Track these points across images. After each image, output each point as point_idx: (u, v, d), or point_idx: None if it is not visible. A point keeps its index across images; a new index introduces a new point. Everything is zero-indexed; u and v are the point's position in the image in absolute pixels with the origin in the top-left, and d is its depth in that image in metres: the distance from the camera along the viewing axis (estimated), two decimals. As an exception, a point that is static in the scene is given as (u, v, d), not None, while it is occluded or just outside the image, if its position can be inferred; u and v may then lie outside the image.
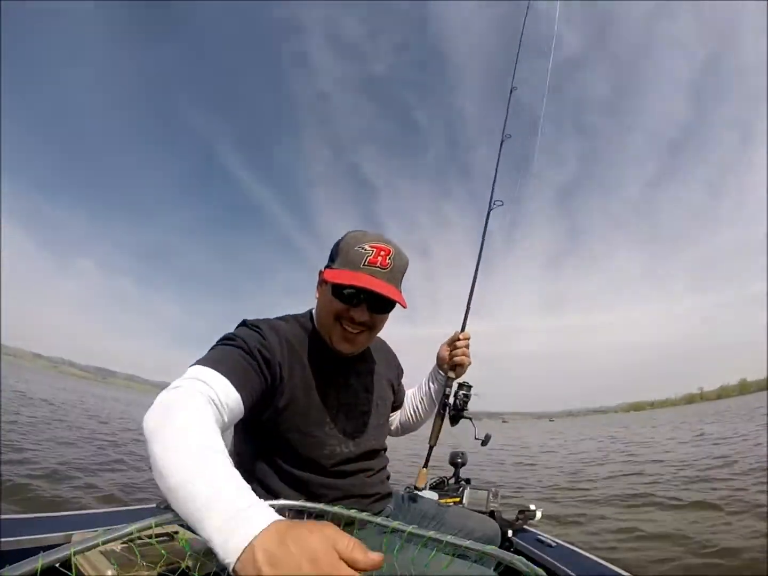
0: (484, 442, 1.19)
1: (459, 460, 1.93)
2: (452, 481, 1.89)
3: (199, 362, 0.79)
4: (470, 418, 1.20)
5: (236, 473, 0.56)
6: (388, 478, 1.16)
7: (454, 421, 1.20)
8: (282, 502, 0.76)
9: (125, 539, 1.11)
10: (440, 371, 1.27)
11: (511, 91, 1.87)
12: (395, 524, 0.68)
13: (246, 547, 0.44)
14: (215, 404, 0.71)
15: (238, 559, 0.44)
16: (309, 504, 0.77)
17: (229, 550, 0.44)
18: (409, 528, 0.68)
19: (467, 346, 1.25)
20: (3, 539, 1.14)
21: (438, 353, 1.28)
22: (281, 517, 0.49)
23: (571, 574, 1.23)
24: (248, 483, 1.03)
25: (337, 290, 0.93)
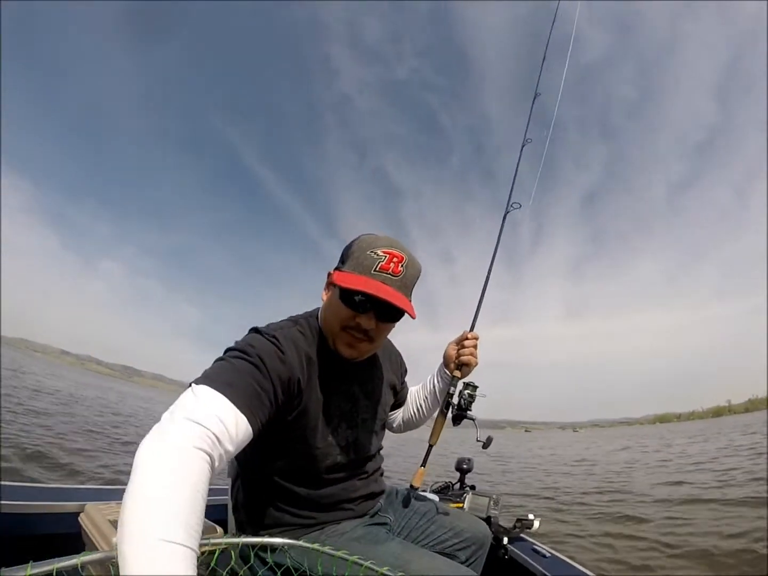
0: (486, 445, 1.19)
1: (465, 466, 1.95)
2: (457, 486, 1.91)
3: (208, 382, 0.72)
4: (473, 419, 1.20)
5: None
6: (381, 475, 1.19)
7: (456, 420, 1.20)
8: (247, 540, 0.84)
9: None
10: (446, 370, 1.27)
11: (535, 97, 1.88)
12: (339, 554, 0.76)
13: None
14: (219, 443, 0.66)
15: None
16: (272, 540, 0.85)
17: None
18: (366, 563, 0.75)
19: (475, 347, 1.24)
20: (17, 502, 1.26)
21: (445, 351, 1.28)
22: None
23: None
24: (242, 488, 1.06)
25: (346, 295, 0.90)
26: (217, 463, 0.66)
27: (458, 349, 1.24)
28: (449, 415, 1.21)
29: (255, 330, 0.92)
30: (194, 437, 0.63)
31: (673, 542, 3.84)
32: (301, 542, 0.87)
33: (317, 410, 0.95)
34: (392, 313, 0.93)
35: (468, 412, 1.20)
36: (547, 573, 1.33)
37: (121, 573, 0.50)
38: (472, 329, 1.31)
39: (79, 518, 1.19)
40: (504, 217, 1.59)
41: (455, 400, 1.22)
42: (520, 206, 1.61)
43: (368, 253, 0.90)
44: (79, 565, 0.57)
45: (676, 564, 3.35)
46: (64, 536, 1.25)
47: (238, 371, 0.78)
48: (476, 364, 1.24)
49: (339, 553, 0.80)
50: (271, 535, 0.97)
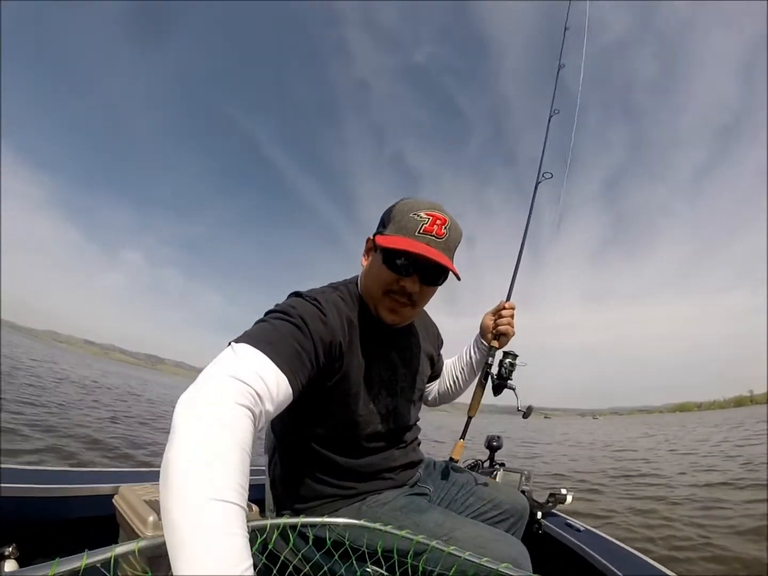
0: (526, 414, 1.16)
1: (495, 444, 1.93)
2: (487, 464, 1.89)
3: (249, 340, 0.70)
4: (513, 389, 1.18)
5: (242, 540, 0.50)
6: (419, 445, 1.17)
7: (497, 390, 1.17)
8: (293, 520, 0.78)
9: None
10: (483, 341, 1.25)
11: (558, 69, 1.84)
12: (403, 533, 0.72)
13: None
14: (261, 401, 0.64)
15: None
16: (309, 519, 0.79)
17: None
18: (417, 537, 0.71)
19: (512, 316, 1.22)
20: (52, 486, 1.26)
21: (482, 322, 1.26)
22: None
23: (598, 557, 1.21)
24: (279, 462, 1.04)
25: (390, 258, 0.88)
26: (258, 422, 0.64)
27: (495, 320, 1.22)
28: (488, 385, 1.19)
29: (296, 294, 0.90)
30: (236, 393, 0.60)
31: (705, 523, 3.79)
32: (362, 521, 0.83)
33: (358, 376, 0.93)
34: (436, 276, 0.91)
35: (509, 381, 1.18)
36: (582, 546, 1.32)
37: (167, 537, 0.48)
38: (508, 299, 1.29)
39: (113, 500, 1.18)
40: (536, 187, 1.56)
41: (494, 369, 1.19)
42: (552, 176, 1.58)
43: (411, 215, 0.88)
44: (112, 559, 0.54)
45: (708, 542, 3.32)
46: (99, 519, 1.24)
47: (280, 331, 0.75)
48: (514, 333, 1.22)
49: (387, 528, 0.77)
50: (312, 509, 0.97)
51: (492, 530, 0.91)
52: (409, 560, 0.75)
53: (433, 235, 0.87)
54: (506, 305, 1.23)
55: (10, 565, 0.88)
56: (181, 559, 0.46)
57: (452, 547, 0.67)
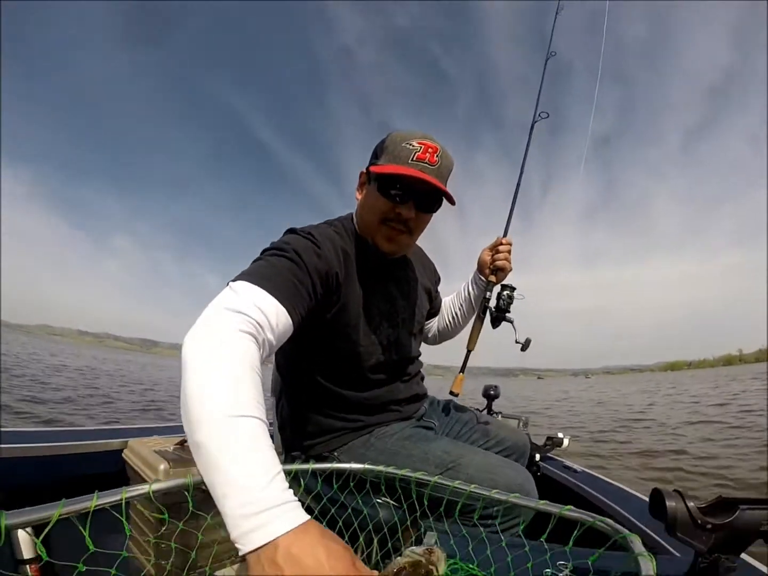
0: (524, 347, 1.19)
1: (492, 392, 1.95)
2: (484, 412, 1.93)
3: (246, 278, 0.71)
4: (512, 321, 1.20)
5: (270, 451, 0.52)
6: (422, 379, 1.20)
7: (495, 322, 1.18)
8: (312, 466, 0.78)
9: (178, 442, 1.16)
10: (481, 276, 1.26)
11: (557, 10, 1.76)
12: (436, 479, 0.71)
13: (269, 542, 0.44)
14: (262, 330, 0.66)
15: (256, 550, 0.44)
16: (319, 466, 0.79)
17: (250, 539, 0.44)
18: (435, 478, 0.71)
19: (509, 252, 1.23)
20: (63, 443, 1.27)
21: (479, 258, 1.26)
22: (308, 517, 0.48)
23: (596, 494, 1.26)
24: (287, 402, 1.06)
25: (385, 186, 0.89)
26: (262, 349, 0.66)
27: (492, 255, 1.23)
28: (487, 319, 1.21)
29: (290, 230, 0.91)
30: (238, 322, 0.62)
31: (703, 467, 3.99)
32: (365, 465, 0.82)
33: (357, 307, 0.94)
34: (431, 202, 0.93)
35: (507, 314, 1.19)
36: (581, 485, 1.37)
37: (200, 465, 0.49)
38: (505, 235, 1.29)
39: (123, 454, 1.20)
40: (531, 127, 1.53)
41: (493, 303, 1.21)
42: (548, 115, 1.55)
43: (403, 145, 0.89)
44: (123, 500, 0.53)
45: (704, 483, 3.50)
46: (109, 475, 1.25)
47: (275, 267, 0.77)
48: (511, 269, 1.23)
49: (389, 470, 0.78)
50: (321, 444, 0.99)
51: (499, 458, 0.95)
52: (413, 487, 0.74)
53: (426, 162, 0.88)
54: (503, 241, 1.24)
55: (21, 532, 0.84)
56: (217, 483, 0.47)
57: (457, 482, 0.69)
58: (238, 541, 0.45)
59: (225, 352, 0.58)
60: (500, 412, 1.91)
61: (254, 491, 0.46)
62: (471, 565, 0.60)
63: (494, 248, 1.24)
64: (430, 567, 0.49)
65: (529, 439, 1.66)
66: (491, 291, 1.22)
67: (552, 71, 1.72)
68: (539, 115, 1.56)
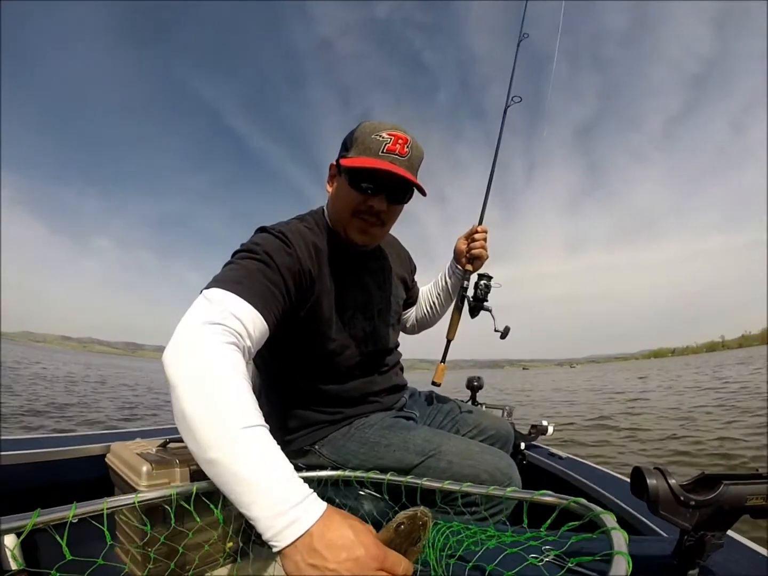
0: (503, 335, 1.16)
1: (476, 383, 1.94)
2: (469, 403, 1.92)
3: (218, 284, 0.70)
4: (490, 310, 1.17)
5: (280, 452, 0.54)
6: (402, 370, 1.18)
7: (473, 312, 1.16)
8: (318, 474, 0.82)
9: (160, 444, 1.15)
10: (458, 265, 1.24)
11: (520, 40, 1.70)
12: (424, 482, 0.71)
13: (304, 533, 0.47)
14: (241, 338, 0.65)
15: (293, 543, 0.47)
16: (341, 473, 0.82)
17: (285, 536, 0.47)
18: (406, 479, 0.72)
19: (485, 240, 1.20)
20: (46, 450, 1.22)
21: (455, 246, 1.24)
22: (327, 504, 0.52)
23: (583, 479, 1.25)
24: (266, 399, 1.04)
25: (356, 179, 0.88)
26: (245, 356, 0.66)
27: (468, 243, 1.21)
28: (465, 308, 1.18)
29: (261, 229, 0.89)
30: (219, 334, 0.62)
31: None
32: (339, 473, 0.85)
33: (330, 301, 0.92)
34: (402, 194, 0.93)
35: (485, 303, 1.17)
36: (567, 471, 1.36)
37: (218, 481, 0.52)
38: (480, 223, 1.27)
39: (106, 459, 1.18)
40: (505, 111, 1.51)
41: (470, 292, 1.18)
42: (521, 99, 1.53)
43: (373, 136, 0.88)
44: (104, 511, 0.55)
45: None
46: (93, 480, 1.23)
47: (247, 269, 0.76)
48: (487, 257, 1.21)
49: (357, 474, 0.80)
50: (301, 438, 0.98)
51: (480, 444, 0.94)
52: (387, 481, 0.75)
53: (397, 154, 0.88)
54: (479, 229, 1.21)
55: (9, 540, 0.88)
56: (241, 492, 0.49)
57: (425, 479, 0.70)
58: (272, 540, 0.48)
59: (216, 369, 0.57)
60: (484, 404, 1.90)
61: (280, 492, 0.49)
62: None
63: (470, 236, 1.22)
64: (425, 518, 0.51)
65: (513, 428, 1.65)
66: (468, 280, 1.20)
67: (529, 55, 1.69)
68: (512, 99, 1.53)
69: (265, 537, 0.48)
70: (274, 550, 0.48)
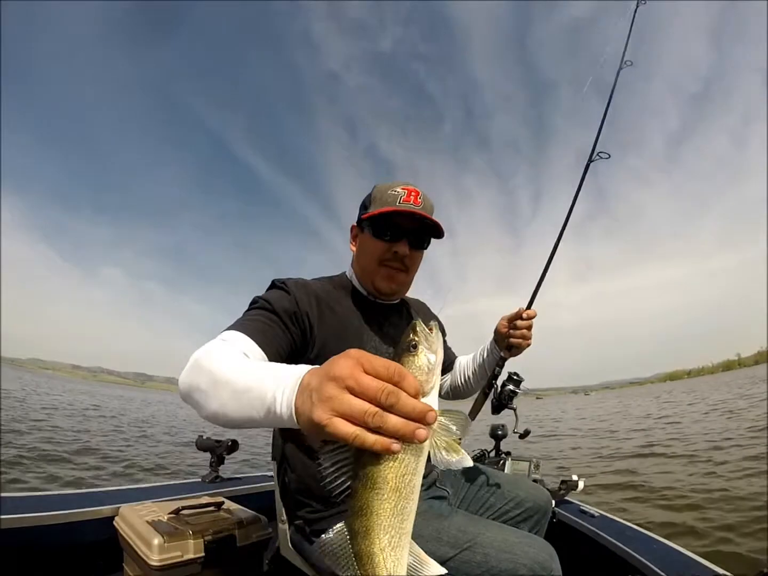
0: (523, 436, 1.09)
1: (500, 432, 1.91)
2: (492, 453, 1.89)
3: (227, 328, 0.82)
4: (514, 409, 1.08)
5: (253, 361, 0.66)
6: None
7: (496, 411, 1.09)
8: None
9: (172, 510, 1.08)
10: (496, 346, 1.15)
11: (637, 5, 1.52)
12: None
13: (306, 373, 0.49)
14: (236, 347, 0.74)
15: (300, 386, 0.48)
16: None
17: (293, 388, 0.49)
18: None
19: (529, 328, 1.09)
20: (52, 513, 1.17)
21: (496, 327, 1.14)
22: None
23: (615, 542, 1.20)
24: (289, 467, 1.00)
25: (379, 228, 0.99)
26: None
27: (509, 329, 1.09)
28: (490, 398, 1.10)
29: (271, 283, 1.00)
30: (228, 344, 0.74)
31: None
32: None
33: (339, 344, 0.86)
34: (423, 239, 1.03)
35: (509, 404, 1.07)
36: (598, 532, 1.30)
37: (226, 408, 0.56)
38: (529, 307, 1.13)
39: (114, 522, 1.14)
40: (586, 167, 1.33)
41: (498, 386, 1.09)
42: (609, 156, 1.32)
43: (389, 192, 0.99)
44: None
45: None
46: (102, 543, 1.18)
47: (250, 314, 0.88)
48: (528, 345, 1.10)
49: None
50: (326, 519, 0.91)
51: (518, 533, 0.87)
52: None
53: (411, 204, 0.98)
54: (524, 314, 1.09)
55: None
56: (252, 398, 0.53)
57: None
58: (293, 403, 0.48)
59: (214, 351, 0.68)
60: (509, 453, 1.86)
61: (276, 372, 0.53)
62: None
63: (513, 320, 1.10)
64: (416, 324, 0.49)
65: (543, 485, 1.57)
66: (502, 366, 1.12)
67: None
68: (598, 154, 1.34)
69: (281, 410, 0.49)
70: (292, 411, 0.48)
